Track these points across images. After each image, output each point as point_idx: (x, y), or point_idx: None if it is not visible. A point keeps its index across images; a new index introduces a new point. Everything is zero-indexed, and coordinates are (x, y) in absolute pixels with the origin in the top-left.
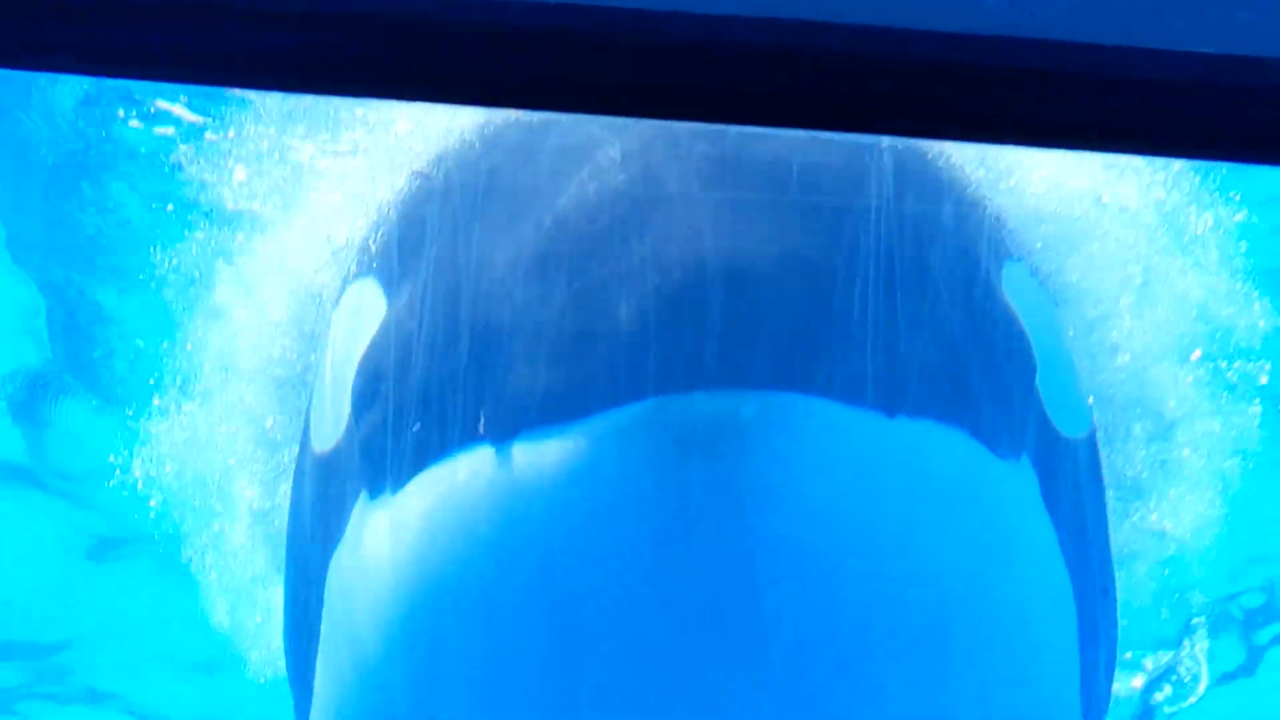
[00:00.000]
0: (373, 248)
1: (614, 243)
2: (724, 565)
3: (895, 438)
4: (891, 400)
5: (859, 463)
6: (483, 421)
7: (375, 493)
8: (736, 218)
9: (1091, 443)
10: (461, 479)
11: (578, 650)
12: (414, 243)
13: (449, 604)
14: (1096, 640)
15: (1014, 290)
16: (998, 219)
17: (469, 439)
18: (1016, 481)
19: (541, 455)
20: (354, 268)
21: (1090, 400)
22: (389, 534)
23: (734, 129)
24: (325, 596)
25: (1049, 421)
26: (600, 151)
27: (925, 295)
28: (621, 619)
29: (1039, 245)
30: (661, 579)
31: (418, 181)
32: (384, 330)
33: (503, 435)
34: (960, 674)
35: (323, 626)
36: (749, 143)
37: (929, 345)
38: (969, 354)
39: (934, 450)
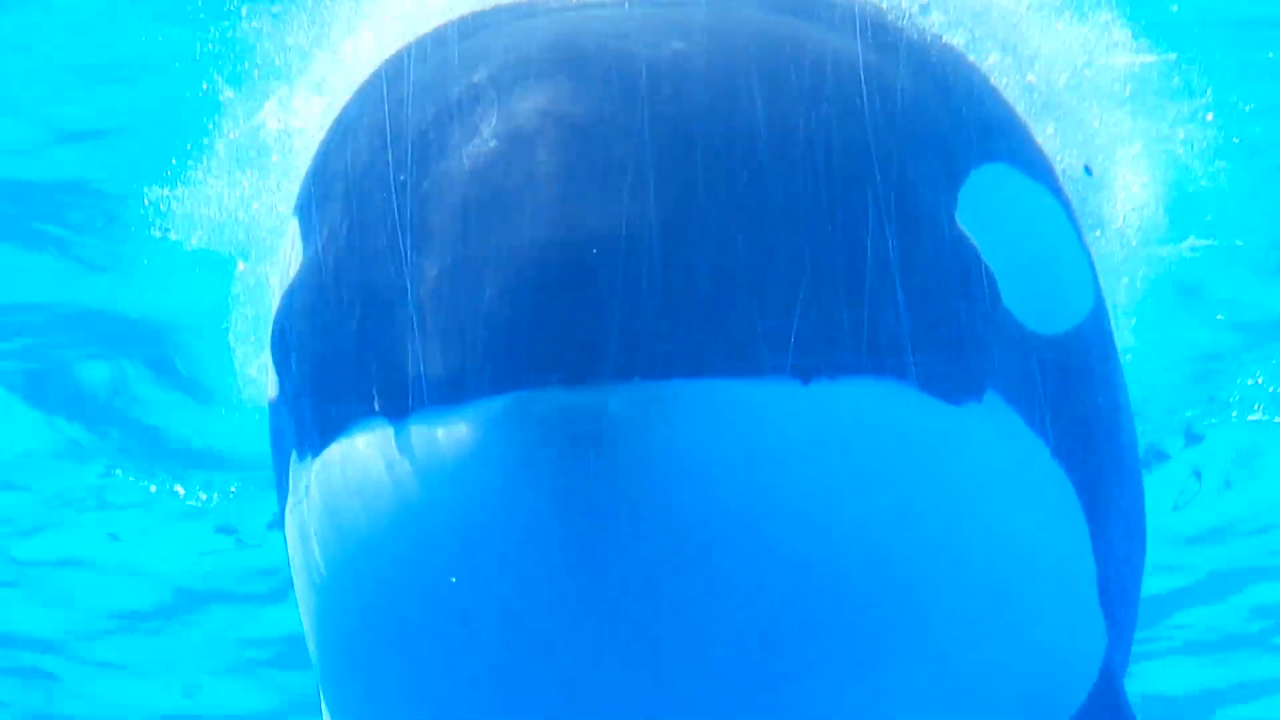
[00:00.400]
0: (304, 186)
1: (486, 222)
2: (594, 558)
3: (813, 406)
4: (804, 364)
5: (767, 439)
6: (376, 399)
7: (300, 455)
8: (605, 185)
9: (1095, 322)
10: (359, 454)
11: (455, 621)
12: (321, 197)
13: (348, 574)
14: (1112, 540)
15: (976, 201)
16: (956, 124)
17: (366, 414)
18: (980, 420)
19: (431, 437)
20: (295, 199)
21: (1092, 273)
22: (308, 497)
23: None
24: (285, 536)
25: (1025, 332)
26: (479, 124)
27: (844, 228)
28: (491, 603)
29: (1020, 137)
30: (529, 568)
31: (331, 135)
32: (292, 287)
33: (397, 414)
34: (956, 631)
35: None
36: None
37: (850, 291)
38: (905, 292)
39: (865, 413)
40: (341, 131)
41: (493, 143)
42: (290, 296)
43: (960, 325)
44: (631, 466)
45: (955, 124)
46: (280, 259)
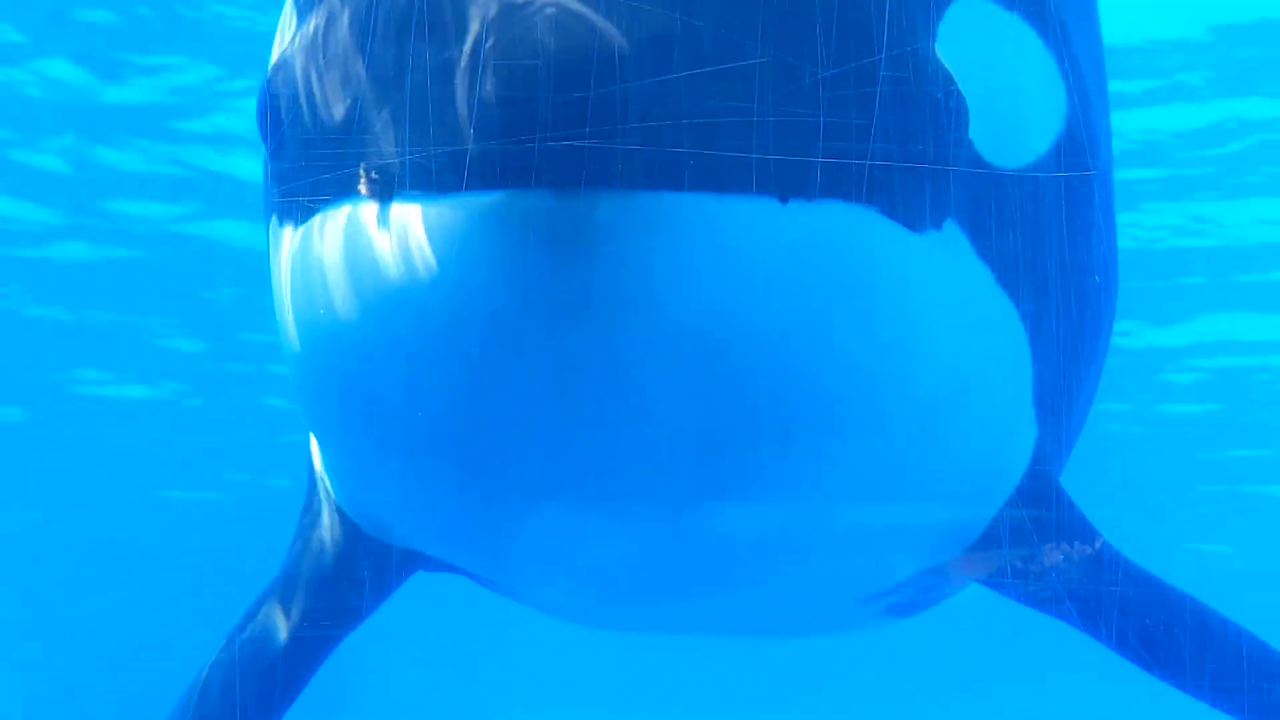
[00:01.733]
0: None
1: (491, 23)
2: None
3: (789, 226)
4: (782, 186)
5: (743, 255)
6: (364, 179)
7: (282, 219)
8: (604, 10)
9: (1061, 157)
10: (344, 224)
11: (435, 391)
12: None
13: (321, 331)
14: (1049, 357)
15: (955, 30)
16: None
17: (354, 192)
18: (939, 247)
19: (412, 220)
20: None
21: (1057, 111)
22: (293, 260)
23: None
24: (273, 286)
25: (988, 166)
26: None
27: (825, 55)
28: (460, 381)
29: None
30: (498, 354)
31: None
32: (284, 56)
33: (382, 195)
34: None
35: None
36: None
37: (826, 115)
38: (872, 120)
39: (836, 234)
40: None
41: None
42: (286, 61)
43: (926, 156)
44: (610, 269)
45: None
46: (281, 21)
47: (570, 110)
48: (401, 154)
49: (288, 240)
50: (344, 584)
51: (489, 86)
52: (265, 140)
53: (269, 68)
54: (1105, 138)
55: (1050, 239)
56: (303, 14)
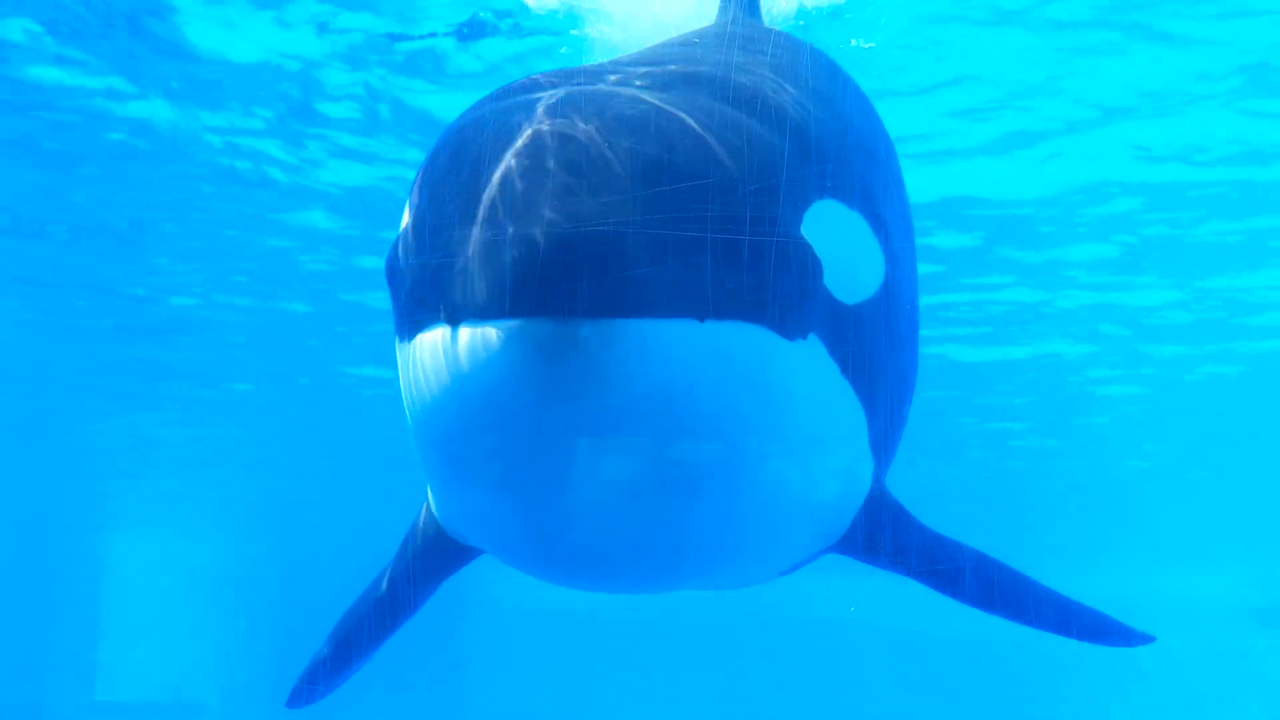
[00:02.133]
0: (414, 183)
1: (501, 225)
2: (566, 424)
3: (705, 335)
4: (703, 310)
5: (674, 354)
6: (442, 312)
7: (399, 339)
8: (569, 200)
9: (883, 296)
10: (433, 343)
11: (475, 437)
12: (417, 190)
13: (424, 408)
14: (879, 413)
15: (815, 219)
16: (807, 175)
17: (435, 320)
18: (805, 351)
19: (473, 339)
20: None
21: (878, 273)
22: (404, 367)
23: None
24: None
25: (836, 301)
26: (495, 163)
27: (728, 236)
28: (494, 430)
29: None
30: (518, 416)
31: (426, 160)
32: (398, 239)
33: (453, 321)
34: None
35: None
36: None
37: (736, 274)
38: (765, 275)
39: (736, 340)
40: (430, 159)
41: (501, 189)
42: (397, 243)
43: (798, 295)
44: (583, 368)
45: (806, 174)
46: (403, 217)
47: (554, 271)
48: (459, 298)
49: (401, 353)
50: (434, 558)
51: (505, 259)
52: (390, 286)
53: (395, 239)
54: (910, 282)
55: (875, 342)
56: (411, 208)
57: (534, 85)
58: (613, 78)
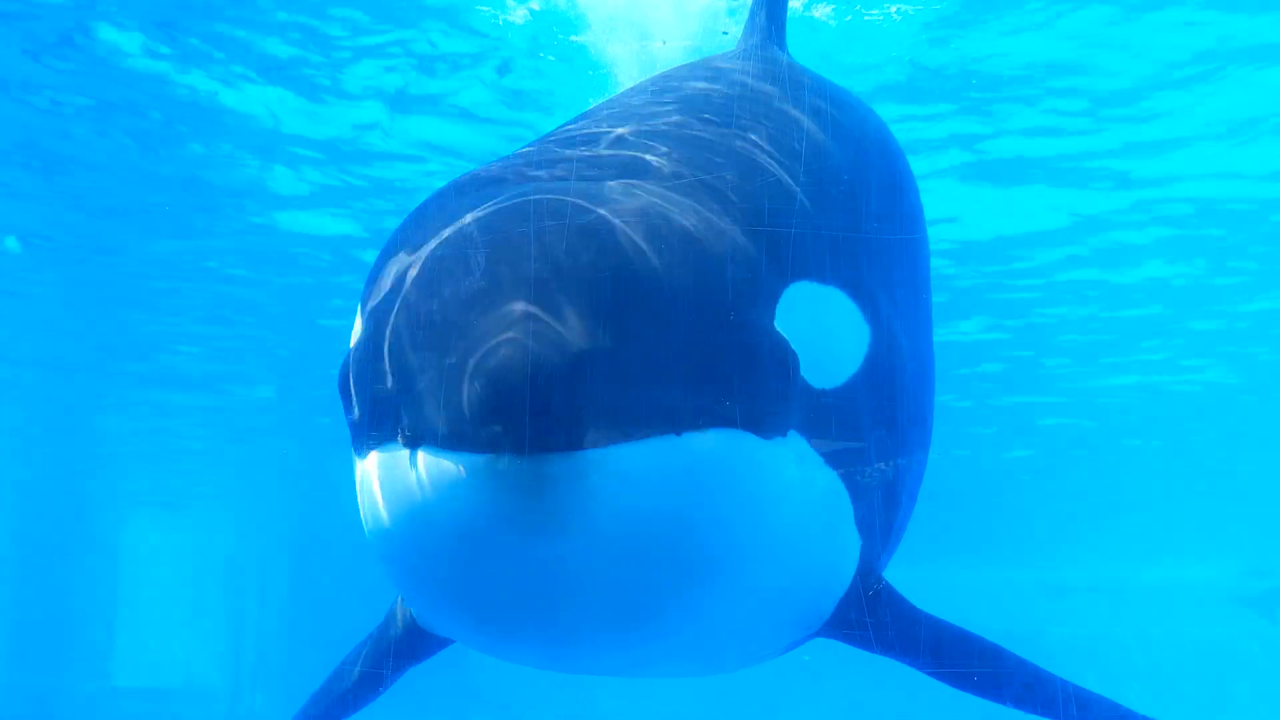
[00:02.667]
0: (365, 288)
1: (456, 340)
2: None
3: (679, 450)
4: (671, 425)
5: (648, 476)
6: (401, 432)
7: (358, 449)
8: (532, 326)
9: (864, 375)
10: (391, 464)
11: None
12: (370, 299)
13: (378, 527)
14: (870, 499)
15: (788, 308)
16: (777, 262)
17: (393, 440)
18: (784, 449)
19: (431, 466)
20: (361, 295)
21: (862, 344)
22: (360, 482)
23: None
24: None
25: (814, 390)
26: (463, 283)
27: (688, 341)
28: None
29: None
30: (476, 563)
31: (378, 273)
32: (351, 352)
33: (412, 445)
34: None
35: None
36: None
37: (710, 385)
38: (739, 380)
39: (712, 450)
40: (384, 266)
41: (463, 311)
42: (350, 357)
43: (775, 394)
44: (554, 502)
45: (776, 263)
46: (355, 327)
47: (519, 403)
48: (420, 425)
49: (357, 466)
50: (408, 645)
51: (467, 389)
52: (342, 400)
53: (345, 354)
54: (913, 335)
55: (862, 419)
56: (364, 321)
57: (490, 180)
58: (577, 156)
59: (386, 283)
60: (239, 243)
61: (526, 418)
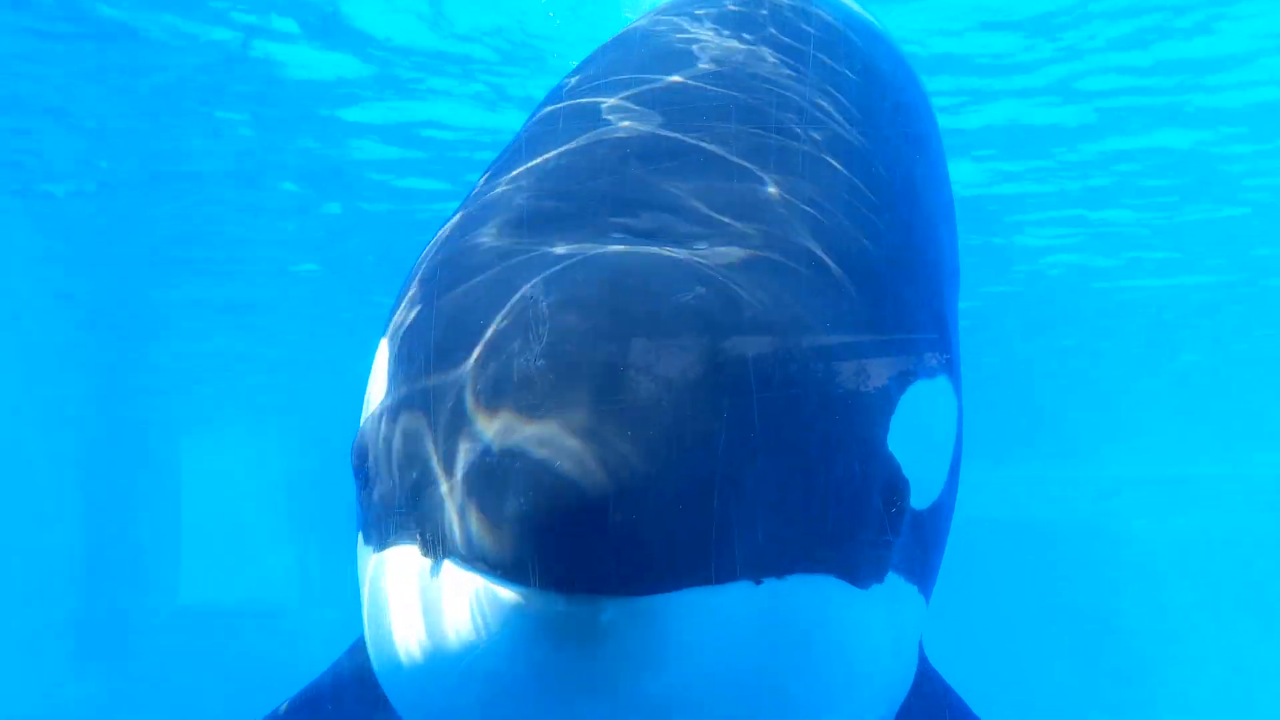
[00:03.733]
0: (391, 353)
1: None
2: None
3: (761, 599)
4: (760, 570)
5: (722, 629)
6: (424, 537)
7: (365, 540)
8: (604, 443)
9: (949, 485)
10: (409, 568)
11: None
12: (401, 362)
13: (381, 628)
14: (926, 603)
15: (903, 416)
16: (888, 365)
17: (412, 539)
18: (880, 593)
19: (453, 582)
20: (386, 346)
21: (953, 437)
22: (369, 575)
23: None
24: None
25: (915, 513)
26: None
27: (791, 470)
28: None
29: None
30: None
31: (406, 330)
32: (371, 422)
33: (435, 554)
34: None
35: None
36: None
37: (806, 521)
38: (840, 515)
39: (800, 599)
40: (412, 322)
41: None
42: (367, 427)
43: (878, 531)
44: (609, 654)
45: (887, 365)
46: (368, 390)
47: (579, 538)
48: (447, 531)
49: (363, 557)
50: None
51: (512, 506)
52: (355, 477)
53: (362, 421)
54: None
55: (939, 532)
56: (389, 386)
57: (554, 218)
58: (663, 183)
59: (419, 343)
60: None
61: (587, 548)
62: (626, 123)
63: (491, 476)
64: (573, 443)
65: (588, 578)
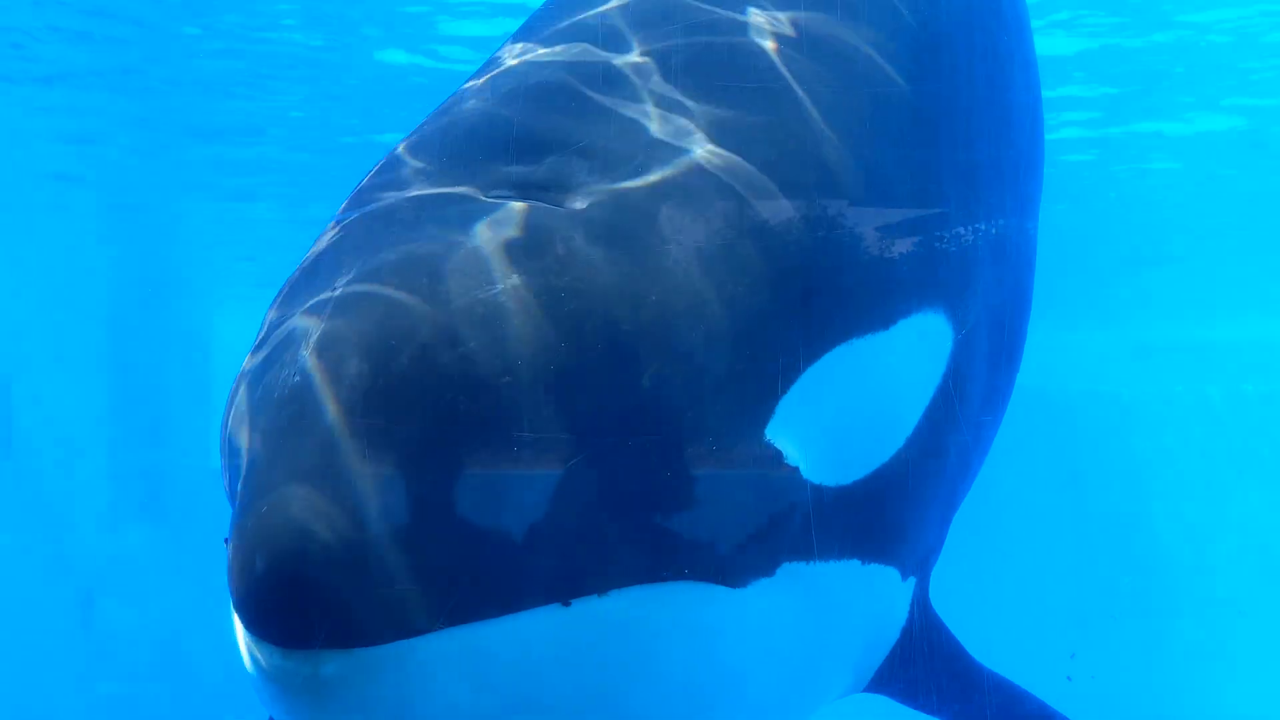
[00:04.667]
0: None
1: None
2: None
3: (579, 622)
4: (499, 606)
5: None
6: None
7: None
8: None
9: (894, 467)
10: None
11: None
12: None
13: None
14: (905, 561)
15: (802, 389)
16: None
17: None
18: (760, 590)
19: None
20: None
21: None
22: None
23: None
24: None
25: (845, 490)
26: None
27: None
28: None
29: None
30: None
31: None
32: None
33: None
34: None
35: None
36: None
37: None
38: (619, 523)
39: (637, 614)
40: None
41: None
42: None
43: (767, 531)
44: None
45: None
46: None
47: (284, 590)
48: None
49: None
50: None
51: (241, 564)
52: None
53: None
54: (997, 367)
55: (895, 509)
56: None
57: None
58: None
59: (234, 398)
60: None
61: (302, 607)
62: (560, 47)
63: (240, 534)
64: (283, 513)
65: (301, 634)
